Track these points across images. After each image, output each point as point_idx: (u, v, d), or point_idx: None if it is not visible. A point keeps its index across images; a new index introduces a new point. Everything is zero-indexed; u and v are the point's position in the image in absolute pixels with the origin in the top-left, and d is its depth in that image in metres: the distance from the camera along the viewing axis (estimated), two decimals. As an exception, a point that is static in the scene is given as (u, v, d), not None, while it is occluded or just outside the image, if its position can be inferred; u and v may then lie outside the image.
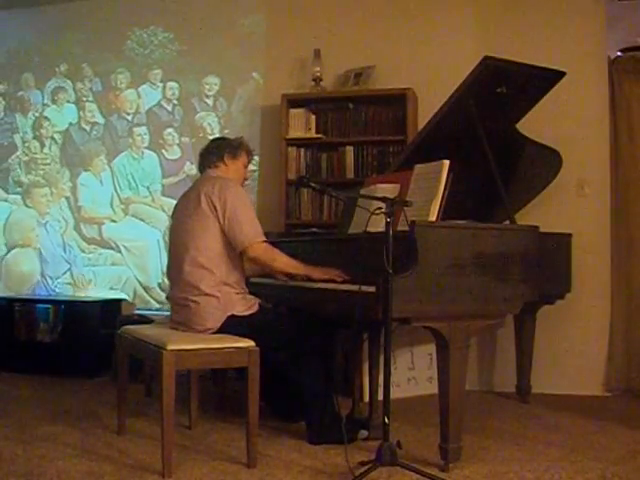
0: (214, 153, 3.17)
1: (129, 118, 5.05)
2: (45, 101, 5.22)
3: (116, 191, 5.05)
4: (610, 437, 3.17)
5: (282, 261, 2.97)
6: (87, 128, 5.13)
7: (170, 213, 3.32)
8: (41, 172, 5.19)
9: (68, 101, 5.17)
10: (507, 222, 3.24)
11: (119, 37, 5.06)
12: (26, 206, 5.22)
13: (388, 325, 2.48)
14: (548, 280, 3.47)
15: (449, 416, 2.64)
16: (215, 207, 2.90)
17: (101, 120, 5.10)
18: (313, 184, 2.93)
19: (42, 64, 5.23)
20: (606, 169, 4.22)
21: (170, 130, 4.97)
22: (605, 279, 4.19)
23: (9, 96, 5.30)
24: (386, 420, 2.52)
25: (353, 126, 4.43)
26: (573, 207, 4.17)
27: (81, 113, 5.14)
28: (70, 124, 5.17)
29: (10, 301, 4.78)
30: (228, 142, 3.24)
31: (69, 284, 5.09)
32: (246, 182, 3.34)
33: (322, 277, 2.91)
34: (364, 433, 3.08)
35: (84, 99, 5.13)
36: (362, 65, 4.49)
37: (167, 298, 3.15)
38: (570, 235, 3.81)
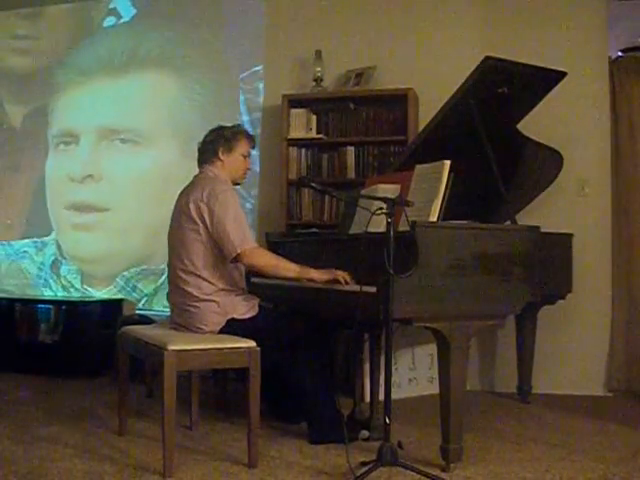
0: (209, 149, 3.06)
1: None
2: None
3: None
4: (611, 437, 3.17)
5: (282, 266, 2.90)
6: None
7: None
8: None
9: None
10: (508, 222, 3.23)
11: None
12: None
13: (389, 325, 2.48)
14: (549, 280, 3.47)
15: (450, 416, 2.64)
16: (203, 215, 2.86)
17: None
18: (314, 184, 2.93)
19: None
20: (607, 169, 4.22)
21: None
22: (606, 279, 4.19)
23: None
24: (387, 420, 2.52)
25: (354, 126, 4.42)
26: (574, 207, 4.18)
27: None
28: None
29: (11, 301, 4.78)
30: (222, 133, 3.07)
31: None
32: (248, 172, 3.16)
33: (324, 278, 2.84)
34: (365, 433, 3.07)
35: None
36: (363, 65, 4.48)
37: (167, 299, 3.13)
38: (571, 235, 3.80)
